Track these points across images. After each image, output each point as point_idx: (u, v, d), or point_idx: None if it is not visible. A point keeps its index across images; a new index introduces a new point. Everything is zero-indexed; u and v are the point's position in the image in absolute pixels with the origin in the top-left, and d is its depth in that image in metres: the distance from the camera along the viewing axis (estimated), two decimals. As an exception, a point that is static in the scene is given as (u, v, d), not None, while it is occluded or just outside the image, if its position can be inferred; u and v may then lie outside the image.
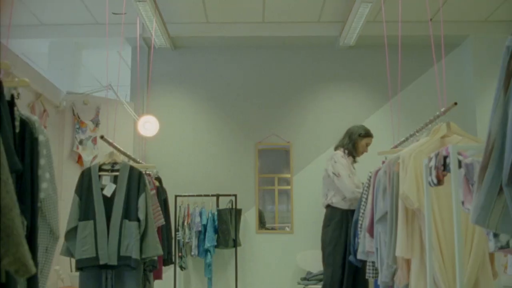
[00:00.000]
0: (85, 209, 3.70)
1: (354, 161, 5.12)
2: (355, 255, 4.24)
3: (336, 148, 5.15)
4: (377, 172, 3.82)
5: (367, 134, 5.12)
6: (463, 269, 2.83)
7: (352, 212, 4.67)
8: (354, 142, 5.05)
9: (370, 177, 4.14)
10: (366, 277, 4.08)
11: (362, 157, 6.20)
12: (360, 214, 4.24)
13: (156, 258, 4.01)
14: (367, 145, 5.12)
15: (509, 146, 1.59)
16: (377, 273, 3.98)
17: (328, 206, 4.94)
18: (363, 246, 4.02)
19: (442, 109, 3.45)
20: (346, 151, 5.03)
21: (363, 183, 4.49)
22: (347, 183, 4.78)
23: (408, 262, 3.17)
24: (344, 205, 4.83)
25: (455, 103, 3.47)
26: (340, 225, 4.77)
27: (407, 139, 4.13)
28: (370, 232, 3.83)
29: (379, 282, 3.59)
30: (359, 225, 4.29)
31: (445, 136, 3.20)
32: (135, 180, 3.78)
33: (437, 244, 2.88)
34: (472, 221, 1.72)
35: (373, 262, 4.02)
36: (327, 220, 4.91)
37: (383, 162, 4.01)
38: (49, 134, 2.67)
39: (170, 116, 6.74)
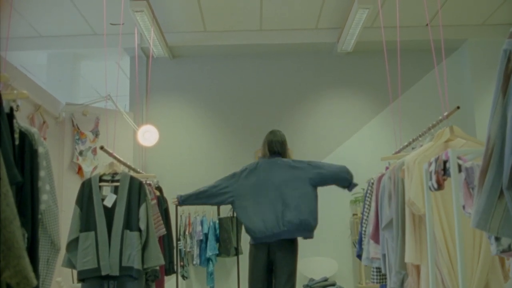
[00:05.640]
0: (86, 220, 3.69)
1: None
2: None
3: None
4: (380, 178, 3.81)
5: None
6: (466, 273, 2.82)
7: None
8: None
9: (372, 183, 4.14)
10: (370, 282, 4.07)
11: (362, 162, 6.23)
12: (363, 220, 4.24)
13: (158, 268, 4.00)
14: None
15: (508, 149, 1.59)
16: (381, 279, 3.98)
17: None
18: (367, 252, 4.02)
19: (445, 113, 3.43)
20: None
21: (363, 189, 4.48)
22: None
23: (418, 268, 3.16)
24: None
25: (458, 107, 3.45)
26: None
27: (409, 144, 4.12)
28: (374, 239, 3.82)
29: (387, 289, 3.59)
30: (362, 231, 4.29)
31: (448, 140, 3.19)
32: (136, 190, 3.78)
33: (445, 249, 2.87)
34: (473, 225, 1.71)
35: (377, 268, 4.02)
36: None
37: (387, 168, 4.01)
38: (48, 145, 2.67)
39: (169, 125, 6.74)
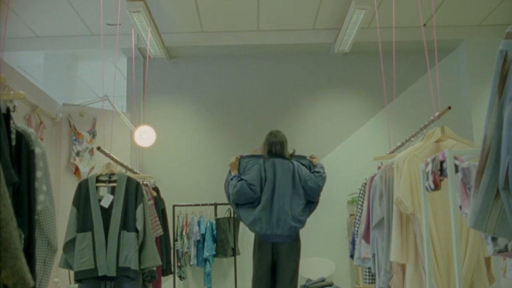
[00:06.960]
0: (83, 221, 3.69)
1: None
2: None
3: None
4: (372, 178, 3.82)
5: None
6: (450, 273, 2.84)
7: None
8: None
9: (365, 184, 4.15)
10: (363, 283, 4.09)
11: (359, 163, 6.24)
12: (356, 221, 4.25)
13: (155, 268, 4.00)
14: None
15: (504, 150, 1.59)
16: (373, 279, 3.99)
17: None
18: (358, 252, 4.03)
19: (436, 114, 3.46)
20: None
21: (360, 189, 4.49)
22: None
23: (403, 267, 3.17)
24: None
25: (449, 107, 3.48)
26: None
27: (403, 144, 4.14)
28: (366, 238, 3.83)
29: (376, 288, 3.60)
30: (354, 231, 4.30)
31: (439, 141, 3.21)
32: (133, 191, 3.78)
33: (431, 248, 2.88)
34: (469, 225, 1.72)
35: (369, 268, 4.03)
36: None
37: (379, 168, 4.02)
38: (45, 146, 2.67)
39: (166, 126, 6.74)
